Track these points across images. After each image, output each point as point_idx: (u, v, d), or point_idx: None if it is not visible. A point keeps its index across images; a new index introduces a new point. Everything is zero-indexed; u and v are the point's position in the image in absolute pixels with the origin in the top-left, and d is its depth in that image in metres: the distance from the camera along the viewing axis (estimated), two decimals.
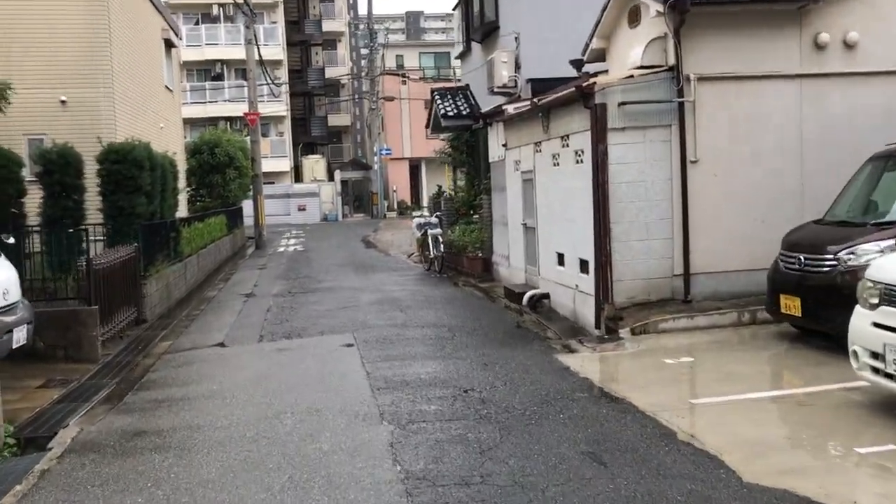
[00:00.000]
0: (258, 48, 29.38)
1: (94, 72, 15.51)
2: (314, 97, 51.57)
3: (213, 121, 40.66)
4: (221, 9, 45.43)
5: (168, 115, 22.65)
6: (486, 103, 17.89)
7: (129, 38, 17.58)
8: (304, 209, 44.20)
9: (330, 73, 51.20)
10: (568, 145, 10.50)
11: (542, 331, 10.32)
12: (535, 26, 15.47)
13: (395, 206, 46.44)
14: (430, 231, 17.29)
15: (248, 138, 28.88)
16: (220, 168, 26.40)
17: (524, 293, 12.17)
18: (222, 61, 45.00)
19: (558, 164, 10.97)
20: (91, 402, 7.45)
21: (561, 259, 11.07)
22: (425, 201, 49.11)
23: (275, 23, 46.54)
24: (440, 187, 21.39)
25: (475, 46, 19.03)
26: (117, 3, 16.39)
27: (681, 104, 9.43)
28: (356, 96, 55.46)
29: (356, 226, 38.54)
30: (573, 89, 9.50)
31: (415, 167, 48.86)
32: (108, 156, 12.38)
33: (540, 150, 11.80)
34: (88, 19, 15.53)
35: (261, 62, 29.44)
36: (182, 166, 24.89)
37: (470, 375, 7.65)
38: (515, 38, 15.46)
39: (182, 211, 23.35)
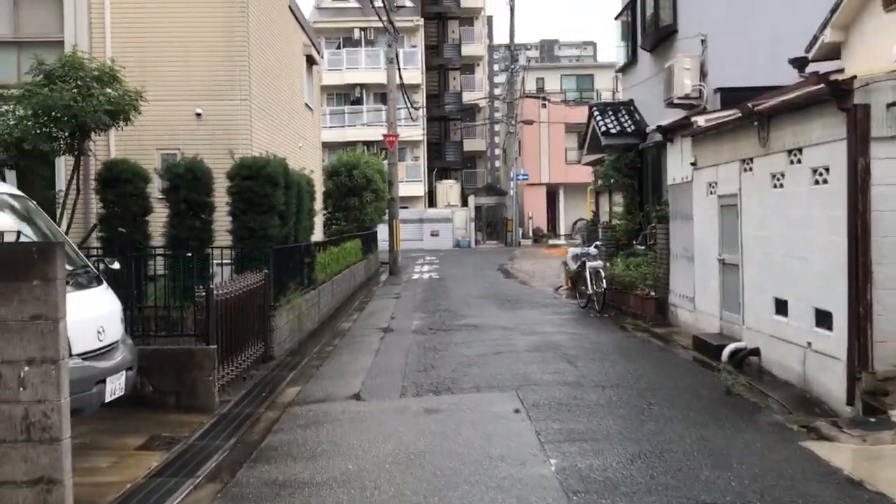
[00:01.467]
0: (399, 69, 28.31)
1: (231, 82, 14.44)
2: (450, 121, 50.54)
3: (351, 145, 40.07)
4: (363, 33, 45.28)
5: (307, 135, 21.67)
6: (656, 119, 15.61)
7: (270, 50, 16.55)
8: (436, 234, 42.95)
9: (467, 97, 50.05)
10: (800, 161, 8.14)
11: (761, 400, 7.95)
12: (725, 27, 13.14)
13: (531, 234, 44.40)
14: (589, 263, 15.12)
15: (385, 161, 27.75)
16: (358, 191, 25.27)
17: (723, 346, 9.79)
18: (361, 85, 44.71)
19: (782, 185, 8.60)
20: (196, 477, 5.80)
21: (782, 307, 8.66)
22: (562, 229, 46.83)
23: (415, 47, 45.89)
24: (595, 213, 19.16)
25: (643, 56, 16.81)
26: (259, 11, 15.35)
27: None
28: (491, 121, 54.15)
29: (490, 253, 36.75)
30: (820, 86, 7.18)
31: (552, 194, 46.73)
32: (240, 171, 11.06)
33: (750, 169, 9.46)
34: (227, 26, 14.51)
35: (401, 84, 28.36)
36: (319, 187, 23.94)
37: (698, 475, 5.46)
38: (702, 41, 13.18)
39: (318, 234, 22.29)
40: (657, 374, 9.17)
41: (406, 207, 43.29)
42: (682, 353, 10.67)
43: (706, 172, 11.06)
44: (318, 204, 21.09)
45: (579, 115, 45.24)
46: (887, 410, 6.63)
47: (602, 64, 47.52)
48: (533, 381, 8.70)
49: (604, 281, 14.32)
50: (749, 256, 9.57)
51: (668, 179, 13.08)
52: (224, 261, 11.24)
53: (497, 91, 53.19)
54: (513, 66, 41.89)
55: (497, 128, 61.57)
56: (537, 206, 45.69)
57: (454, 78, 51.38)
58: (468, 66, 52.28)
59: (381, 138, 27.68)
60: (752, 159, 9.36)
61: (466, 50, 50.44)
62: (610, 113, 17.41)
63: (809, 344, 7.97)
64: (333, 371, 9.99)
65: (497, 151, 60.72)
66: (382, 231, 28.57)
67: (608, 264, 15.50)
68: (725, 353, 9.69)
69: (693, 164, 11.55)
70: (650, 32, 15.60)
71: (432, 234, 42.65)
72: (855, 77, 6.92)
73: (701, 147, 11.24)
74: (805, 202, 8.00)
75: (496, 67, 60.21)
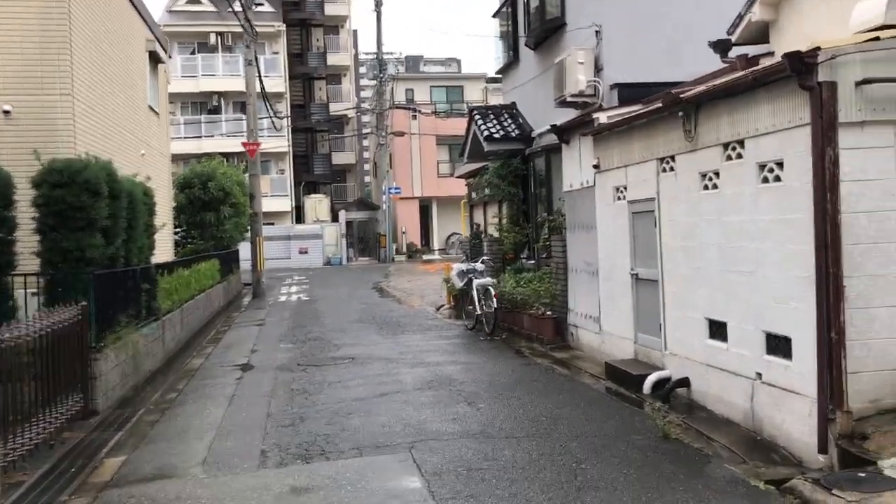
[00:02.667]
0: (259, 73, 26.01)
1: (49, 75, 11.94)
2: (317, 133, 48.26)
3: (209, 156, 37.18)
4: (220, 38, 42.38)
5: (153, 142, 19.08)
6: (542, 122, 14.34)
7: (102, 41, 14.06)
8: (305, 252, 40.56)
9: (334, 108, 47.94)
10: (741, 156, 6.84)
11: (705, 446, 6.55)
12: (621, 17, 11.98)
13: (405, 249, 42.80)
14: (476, 281, 13.57)
15: (246, 173, 25.30)
16: (214, 205, 22.73)
17: (644, 375, 8.41)
18: (219, 93, 41.77)
19: (716, 186, 7.29)
20: None
21: (718, 330, 7.34)
22: (437, 244, 45.50)
23: (276, 53, 43.45)
24: (478, 226, 17.72)
25: (526, 55, 15.53)
26: None
27: None
28: (360, 133, 52.35)
29: (364, 271, 34.81)
30: (781, 60, 5.85)
31: (425, 207, 45.38)
32: (48, 176, 8.71)
33: (671, 169, 8.15)
34: (43, 9, 12.01)
35: (262, 90, 26.08)
36: (168, 201, 21.28)
37: None
38: (596, 32, 11.94)
39: (166, 254, 19.69)
40: (575, 414, 7.62)
41: (272, 223, 40.67)
42: (593, 383, 9.22)
43: (612, 175, 9.72)
44: (166, 219, 18.58)
45: (450, 126, 44.20)
46: (875, 461, 5.32)
47: (471, 75, 46.75)
48: (430, 434, 6.93)
49: (494, 300, 12.79)
50: (672, 271, 8.23)
51: (565, 185, 11.73)
52: (32, 290, 8.88)
53: (365, 105, 51.37)
54: (381, 76, 40.24)
55: (366, 141, 59.72)
56: (410, 220, 44.18)
57: (320, 88, 49.15)
58: (334, 77, 50.22)
59: (241, 149, 25.22)
60: (673, 157, 8.05)
61: (332, 59, 48.39)
62: (492, 117, 16.03)
63: (759, 375, 6.65)
64: (173, 429, 7.84)
65: (367, 166, 58.79)
66: (246, 250, 26.10)
67: (497, 281, 14.01)
68: (648, 384, 8.30)
69: (595, 166, 10.21)
70: (535, 27, 14.31)
71: (301, 252, 40.22)
72: (819, 48, 5.64)
73: (605, 147, 9.91)
74: (750, 205, 6.69)
75: (363, 82, 58.30)
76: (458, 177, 40.02)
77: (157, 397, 9.57)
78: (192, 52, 42.27)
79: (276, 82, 41.30)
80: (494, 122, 15.79)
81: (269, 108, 28.30)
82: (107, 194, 9.07)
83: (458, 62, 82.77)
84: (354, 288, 25.67)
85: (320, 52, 48.41)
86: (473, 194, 36.99)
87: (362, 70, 61.32)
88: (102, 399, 8.67)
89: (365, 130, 54.23)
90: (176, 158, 35.40)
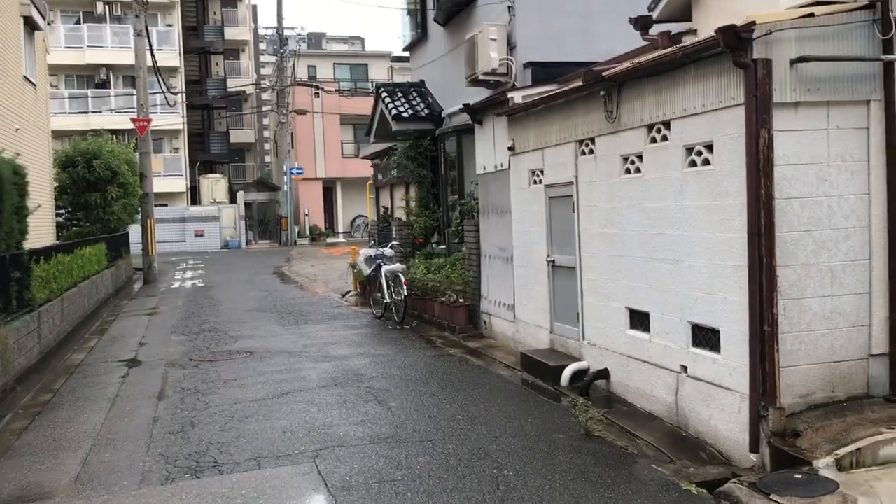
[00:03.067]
0: (151, 45, 24.40)
1: None
2: (214, 110, 46.25)
3: (97, 133, 34.91)
4: (108, 7, 39.84)
5: (28, 116, 17.50)
6: (452, 102, 13.83)
7: None
8: (201, 235, 38.84)
9: (232, 84, 45.97)
10: (666, 138, 6.48)
11: (629, 444, 6.21)
12: None
13: (308, 232, 41.60)
14: (385, 267, 12.96)
15: (136, 151, 23.70)
16: (100, 185, 21.20)
17: (561, 367, 8.05)
18: (108, 66, 39.30)
19: (638, 169, 6.92)
20: None
21: (640, 321, 7.01)
22: (341, 227, 44.46)
23: (170, 26, 41.23)
24: (386, 209, 17.05)
25: (435, 31, 14.94)
26: None
27: (889, 66, 5.59)
28: (259, 110, 50.56)
29: (264, 255, 33.56)
30: (713, 35, 5.48)
31: (329, 189, 44.27)
32: None
33: (591, 151, 7.75)
34: None
35: (154, 63, 24.47)
36: (48, 181, 19.67)
37: None
38: (509, 8, 11.45)
39: (46, 238, 18.19)
40: (492, 411, 7.16)
41: (165, 205, 38.74)
42: (509, 375, 8.80)
43: (528, 158, 9.28)
44: (45, 200, 17.12)
45: (355, 106, 43.14)
46: (810, 460, 5.06)
47: (376, 53, 45.74)
48: (337, 440, 6.31)
49: (404, 287, 12.21)
50: (590, 258, 7.86)
51: (478, 167, 11.24)
52: None
53: (265, 82, 49.50)
54: (282, 51, 38.73)
55: (266, 120, 57.73)
56: (314, 202, 43.00)
57: (217, 63, 47.08)
58: (233, 52, 48.20)
59: (132, 126, 23.62)
60: (593, 139, 7.66)
61: (230, 34, 46.40)
62: (400, 95, 15.37)
63: (684, 368, 6.35)
64: (43, 438, 6.92)
65: (267, 146, 56.84)
66: (136, 233, 24.54)
67: (407, 267, 13.44)
68: (566, 375, 7.94)
69: (510, 148, 9.75)
70: (445, 2, 13.71)
71: (196, 235, 38.48)
72: (754, 23, 5.29)
73: (521, 128, 9.45)
74: (675, 190, 6.34)
75: (263, 58, 56.07)
76: (364, 157, 39.09)
77: (28, 400, 8.57)
78: (78, 22, 39.56)
79: (170, 56, 39.21)
80: (403, 100, 15.15)
81: (161, 82, 26.66)
82: None
83: (362, 41, 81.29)
84: (254, 273, 24.58)
85: (217, 25, 46.32)
86: (380, 175, 36.18)
87: (262, 46, 59.00)
88: None
89: (265, 108, 52.43)
90: (60, 135, 33.20)
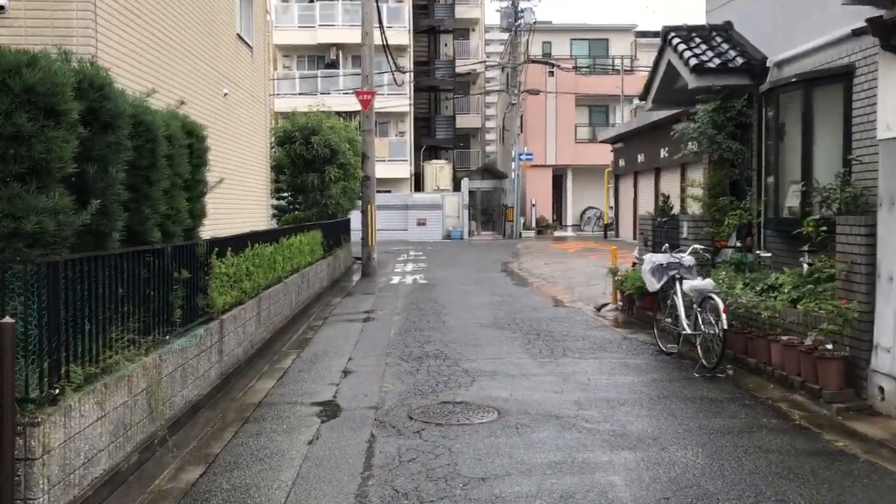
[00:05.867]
0: (382, 24, 21.91)
1: None
2: (441, 93, 44.06)
3: (325, 115, 33.67)
4: None
5: (242, 81, 15.28)
6: (778, 47, 9.40)
7: None
8: (423, 224, 36.63)
9: (461, 67, 43.47)
10: None
11: None
12: None
13: (534, 224, 38.08)
14: (688, 283, 8.79)
15: (359, 131, 21.29)
16: (318, 164, 18.86)
17: None
18: (338, 45, 38.18)
19: None
20: None
21: None
22: (569, 219, 40.49)
23: (401, 2, 39.34)
24: (666, 198, 12.74)
25: None
26: None
27: None
28: (485, 92, 47.77)
29: (488, 248, 30.45)
30: None
31: (558, 177, 40.50)
32: None
33: None
34: None
35: (384, 40, 21.97)
36: (265, 159, 17.54)
37: None
38: None
39: (259, 223, 15.99)
40: None
41: (388, 191, 36.98)
42: None
43: None
44: (260, 181, 14.80)
45: (592, 84, 38.92)
46: None
47: (618, 27, 41.08)
48: None
49: (723, 317, 7.98)
50: None
51: (880, 129, 6.77)
52: None
53: (492, 62, 46.67)
54: (517, 24, 35.35)
55: (489, 110, 55.04)
56: (541, 191, 39.40)
57: (446, 44, 44.86)
58: (462, 31, 45.77)
59: (354, 93, 21.26)
60: None
61: (461, 11, 43.92)
62: (697, 40, 11.09)
63: None
64: None
65: (489, 135, 54.02)
66: (357, 219, 22.24)
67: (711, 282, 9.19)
68: None
69: None
70: None
71: (419, 224, 36.31)
72: None
73: None
74: None
75: (489, 36, 53.11)
76: (604, 141, 34.95)
77: (170, 473, 5.50)
78: (311, 0, 38.77)
79: (399, 34, 37.26)
80: (704, 46, 10.87)
81: (390, 59, 24.24)
82: (72, 115, 4.93)
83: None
84: (481, 270, 21.33)
85: (448, 3, 44.03)
86: (622, 161, 31.84)
87: (489, 23, 55.96)
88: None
89: (493, 90, 49.63)
90: (290, 117, 32.18)
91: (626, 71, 38.48)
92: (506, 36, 40.61)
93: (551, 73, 37.61)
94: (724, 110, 10.41)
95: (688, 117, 11.26)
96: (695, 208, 12.10)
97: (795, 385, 7.38)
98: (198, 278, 7.79)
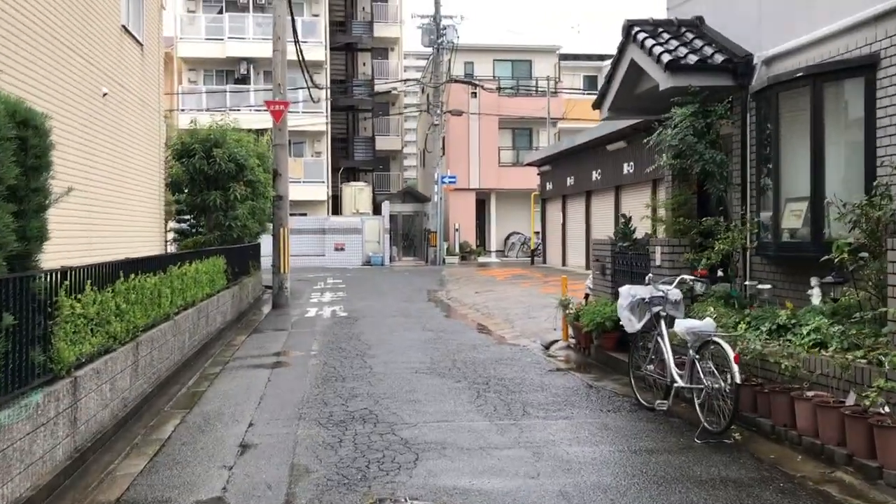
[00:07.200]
0: (297, 37, 19.96)
1: None
2: (359, 113, 42.06)
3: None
4: None
5: (128, 82, 12.95)
6: (767, 41, 7.91)
7: None
8: (342, 249, 34.43)
9: (380, 86, 41.59)
10: None
11: None
12: None
13: (457, 250, 36.33)
14: (681, 324, 7.03)
15: (271, 146, 19.06)
16: (222, 181, 16.56)
17: None
18: (248, 60, 35.74)
19: None
20: None
21: None
22: (493, 244, 38.94)
23: (316, 16, 37.33)
24: (627, 219, 11.05)
25: None
26: None
27: None
28: (403, 113, 46.09)
29: (412, 274, 28.51)
30: None
31: (481, 201, 38.95)
32: None
33: None
34: None
35: (299, 54, 19.97)
36: (159, 175, 15.17)
37: None
38: None
39: (151, 248, 13.68)
40: None
41: (304, 214, 34.67)
42: None
43: None
44: (152, 200, 12.51)
45: (516, 106, 37.62)
46: None
47: (542, 47, 40.08)
48: None
49: (735, 367, 6.23)
50: None
51: None
52: None
53: (413, 81, 44.91)
54: (439, 42, 33.79)
55: (409, 135, 53.30)
56: (465, 216, 37.73)
57: (364, 63, 42.98)
58: (381, 51, 43.99)
59: (264, 102, 19.11)
60: None
61: (379, 30, 42.15)
62: (665, 35, 9.53)
63: None
64: None
65: (406, 161, 52.07)
66: (269, 244, 19.93)
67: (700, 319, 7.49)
68: None
69: None
70: None
71: (337, 249, 34.08)
72: None
73: None
74: None
75: (407, 62, 51.41)
76: (529, 164, 33.63)
77: None
78: (220, 12, 36.28)
79: (315, 49, 35.20)
80: (675, 42, 9.30)
81: (306, 73, 22.14)
82: None
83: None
84: (407, 300, 19.34)
85: (366, 21, 42.23)
86: (549, 185, 30.54)
87: (408, 50, 54.34)
88: None
89: (411, 112, 47.98)
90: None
91: (550, 93, 37.47)
92: (425, 62, 39.07)
93: (474, 94, 36.20)
94: (704, 115, 8.80)
95: (634, 130, 9.60)
96: (660, 231, 10.48)
97: (837, 459, 5.67)
98: (32, 324, 5.58)
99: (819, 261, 7.00)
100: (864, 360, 5.73)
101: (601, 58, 43.38)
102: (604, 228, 22.81)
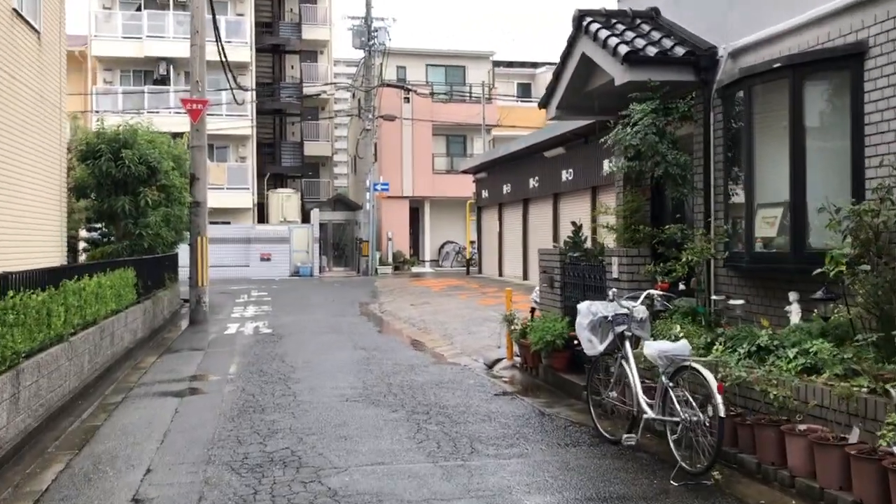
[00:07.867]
0: (217, 26, 18.68)
1: None
2: (287, 117, 40.57)
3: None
4: None
5: (22, 74, 11.52)
6: (734, 31, 7.20)
7: None
8: (268, 259, 32.94)
9: (309, 89, 40.16)
10: None
11: None
12: None
13: (390, 259, 35.23)
14: (650, 346, 6.16)
15: (188, 147, 17.65)
16: (132, 185, 15.11)
17: None
18: (168, 60, 33.93)
19: None
20: None
21: None
22: (427, 254, 37.97)
23: (241, 15, 35.80)
24: (577, 227, 10.16)
25: None
26: None
27: None
28: (333, 118, 44.81)
29: (343, 286, 27.31)
30: None
31: (415, 210, 37.96)
32: None
33: None
34: None
35: (222, 55, 18.64)
36: (60, 177, 13.69)
37: None
38: None
39: (51, 260, 12.25)
40: None
41: (227, 222, 33.06)
42: None
43: None
44: (52, 205, 11.10)
45: (449, 112, 36.77)
46: None
47: (476, 53, 39.46)
48: None
49: (718, 398, 5.40)
50: None
51: None
52: None
53: (343, 83, 43.62)
54: (370, 44, 32.73)
55: (339, 135, 51.87)
56: (398, 224, 36.69)
57: (293, 66, 41.50)
58: (310, 53, 42.54)
59: (181, 101, 17.74)
60: None
61: (308, 32, 40.73)
62: (620, 27, 8.74)
63: None
64: None
65: (337, 168, 50.68)
66: (187, 253, 18.46)
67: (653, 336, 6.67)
68: None
69: None
70: None
71: (263, 259, 32.55)
72: None
73: None
74: None
75: (338, 69, 50.12)
76: (464, 171, 32.78)
77: None
78: (138, 9, 34.38)
79: (240, 50, 33.78)
80: (631, 34, 8.52)
81: (229, 73, 20.78)
82: None
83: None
84: (338, 314, 18.18)
85: (295, 22, 40.81)
86: (484, 193, 29.74)
87: (338, 57, 53.06)
88: None
89: (342, 118, 46.72)
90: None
91: (485, 100, 36.82)
92: (355, 68, 37.91)
93: (407, 100, 35.24)
94: (665, 112, 8.02)
95: (575, 136, 8.78)
96: (609, 240, 9.68)
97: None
98: None
99: (800, 274, 6.27)
100: (866, 390, 4.95)
101: (535, 65, 43.07)
102: (542, 237, 22.11)
